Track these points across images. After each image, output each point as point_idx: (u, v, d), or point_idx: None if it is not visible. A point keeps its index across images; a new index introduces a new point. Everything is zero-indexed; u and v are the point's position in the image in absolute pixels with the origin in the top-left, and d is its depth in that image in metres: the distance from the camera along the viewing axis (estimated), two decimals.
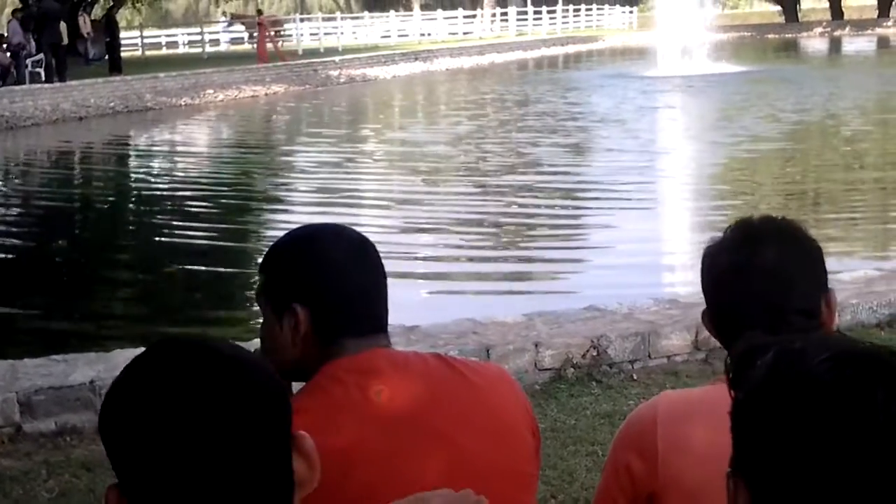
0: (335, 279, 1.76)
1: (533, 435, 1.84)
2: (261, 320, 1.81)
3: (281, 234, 1.86)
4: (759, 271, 1.79)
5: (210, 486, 1.12)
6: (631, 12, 63.49)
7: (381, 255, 1.85)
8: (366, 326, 1.78)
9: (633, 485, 1.81)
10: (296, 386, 1.74)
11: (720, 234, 1.89)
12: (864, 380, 0.99)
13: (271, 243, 1.87)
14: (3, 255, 11.24)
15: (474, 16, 53.68)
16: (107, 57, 30.91)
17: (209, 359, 1.17)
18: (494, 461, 1.74)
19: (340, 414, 1.68)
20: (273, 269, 1.80)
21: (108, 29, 31.25)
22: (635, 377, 5.58)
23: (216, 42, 43.83)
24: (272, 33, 35.47)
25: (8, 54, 25.99)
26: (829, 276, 1.92)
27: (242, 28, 45.14)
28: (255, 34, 42.19)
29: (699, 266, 1.94)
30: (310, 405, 1.65)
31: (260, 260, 1.84)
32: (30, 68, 26.13)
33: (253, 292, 9.16)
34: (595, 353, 5.66)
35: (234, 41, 45.73)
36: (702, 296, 1.97)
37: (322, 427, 1.61)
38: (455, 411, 1.75)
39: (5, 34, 27.90)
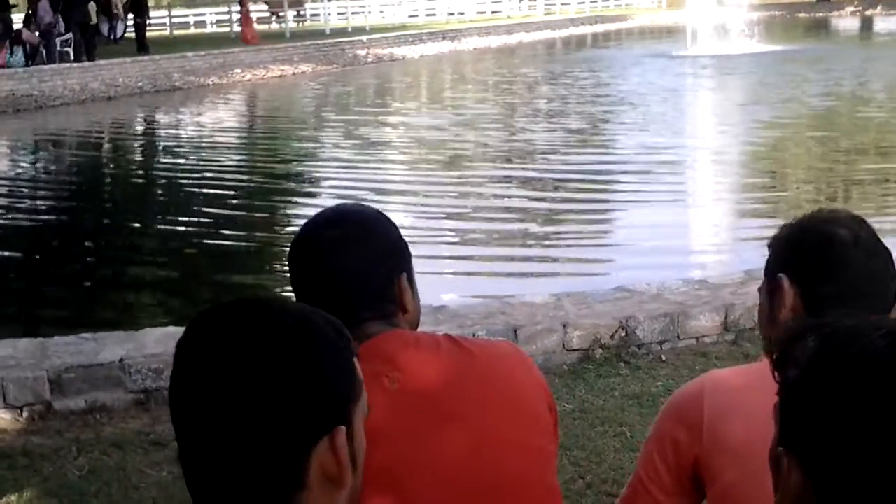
0: (321, 268, 1.75)
1: (549, 410, 1.83)
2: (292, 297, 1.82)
3: (307, 212, 1.87)
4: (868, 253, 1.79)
5: (253, 440, 1.13)
6: None
7: (410, 236, 1.84)
8: (386, 309, 1.77)
9: (676, 456, 1.82)
10: None
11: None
12: None
13: (299, 225, 1.87)
14: (33, 233, 11.30)
15: None
16: (134, 36, 30.93)
17: (270, 318, 1.19)
18: (511, 437, 1.74)
19: None
20: (293, 272, 1.82)
21: (135, 8, 31.26)
22: (664, 358, 5.55)
23: (264, 20, 43.77)
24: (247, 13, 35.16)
25: (37, 33, 26.07)
26: None
27: (266, 7, 45.05)
28: (282, 14, 42.21)
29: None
30: None
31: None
32: (58, 48, 26.22)
33: (279, 270, 9.25)
34: (624, 334, 5.63)
35: (260, 21, 45.74)
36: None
37: None
38: (468, 390, 1.74)
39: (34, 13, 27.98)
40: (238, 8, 36.23)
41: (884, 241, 1.85)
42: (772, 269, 1.86)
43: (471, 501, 1.69)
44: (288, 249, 1.84)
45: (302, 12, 42.62)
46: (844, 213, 1.87)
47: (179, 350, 1.19)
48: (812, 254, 1.79)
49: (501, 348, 1.89)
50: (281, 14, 43.08)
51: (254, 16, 38.45)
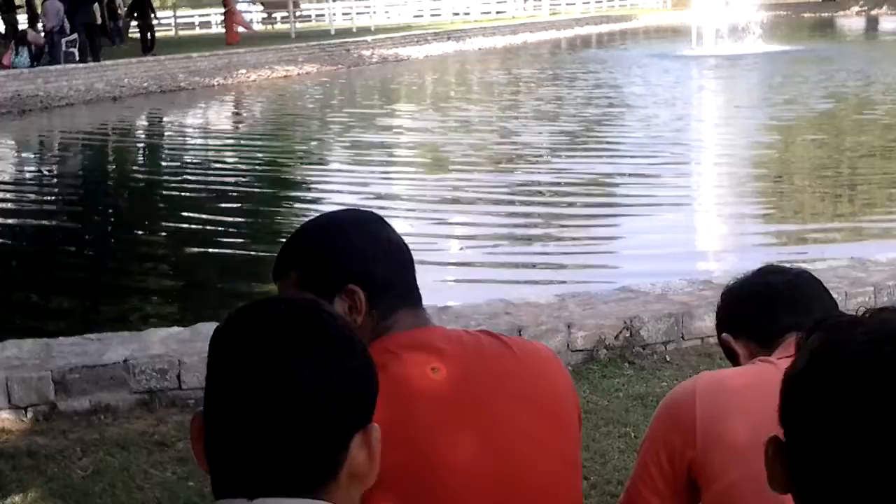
0: (378, 253, 1.76)
1: (578, 417, 1.85)
2: None
3: (307, 215, 1.87)
4: None
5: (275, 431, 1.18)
6: None
7: (415, 236, 1.86)
8: (416, 298, 1.80)
9: (670, 459, 1.81)
10: None
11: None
12: None
13: (285, 241, 1.84)
14: (38, 234, 11.32)
15: None
16: (139, 36, 30.90)
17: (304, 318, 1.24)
18: (546, 441, 1.74)
19: (400, 387, 1.66)
20: (310, 259, 1.77)
21: (139, 9, 31.19)
22: (668, 359, 5.54)
23: (249, 22, 43.83)
24: (233, 11, 35.04)
25: (42, 34, 26.09)
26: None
27: (261, 8, 45.03)
28: (274, 14, 42.22)
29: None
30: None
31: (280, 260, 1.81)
32: (64, 48, 26.24)
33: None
34: (628, 335, 5.63)
35: (265, 21, 45.80)
36: (736, 277, 2.08)
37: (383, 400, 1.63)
38: (511, 390, 1.74)
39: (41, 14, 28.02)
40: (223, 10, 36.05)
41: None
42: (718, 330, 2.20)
43: (499, 500, 1.69)
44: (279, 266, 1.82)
45: (298, 13, 42.60)
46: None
47: (229, 338, 1.24)
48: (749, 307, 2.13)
49: (542, 351, 1.90)
50: (274, 15, 43.13)
51: (248, 17, 38.49)
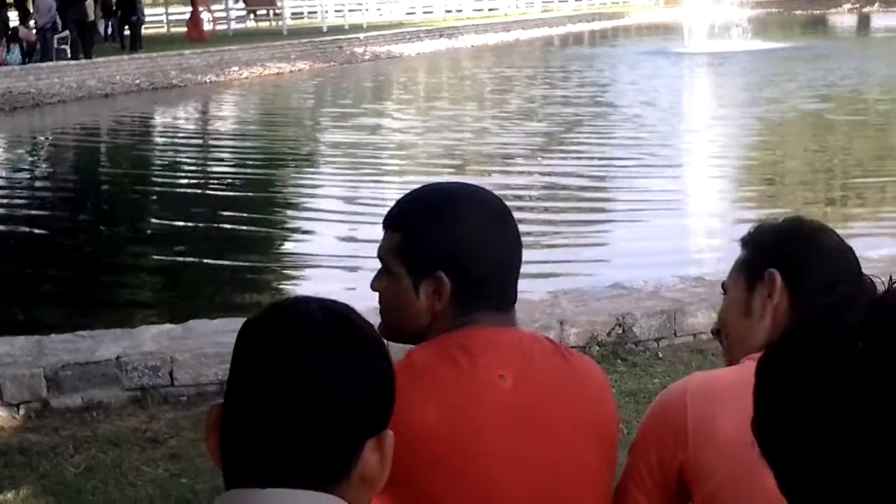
0: (483, 249, 1.69)
1: (617, 439, 1.84)
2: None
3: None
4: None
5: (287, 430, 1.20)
6: None
7: None
8: (502, 302, 1.73)
9: (660, 460, 1.81)
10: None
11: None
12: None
13: (400, 197, 1.79)
14: (30, 232, 11.29)
15: None
16: (127, 33, 30.72)
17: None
18: (592, 465, 1.74)
19: (464, 380, 1.65)
20: (413, 229, 1.71)
21: (126, 5, 30.99)
22: (661, 355, 5.55)
23: (242, 19, 43.76)
24: (202, 9, 34.92)
25: (34, 31, 26.02)
26: (859, 256, 2.01)
27: (242, 6, 44.83)
28: (259, 12, 42.11)
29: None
30: (427, 363, 1.66)
31: (385, 215, 1.77)
32: (55, 45, 26.17)
33: (278, 263, 9.23)
34: (620, 331, 5.64)
35: (258, 18, 45.67)
36: (728, 273, 2.03)
37: (435, 388, 1.64)
38: (571, 413, 1.72)
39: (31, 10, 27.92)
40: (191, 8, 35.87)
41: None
42: (756, 263, 1.92)
43: None
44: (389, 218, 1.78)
45: (277, 11, 42.51)
46: (820, 224, 2.00)
47: (257, 331, 1.25)
48: (808, 259, 1.89)
49: (598, 375, 1.85)
50: (259, 12, 43.00)
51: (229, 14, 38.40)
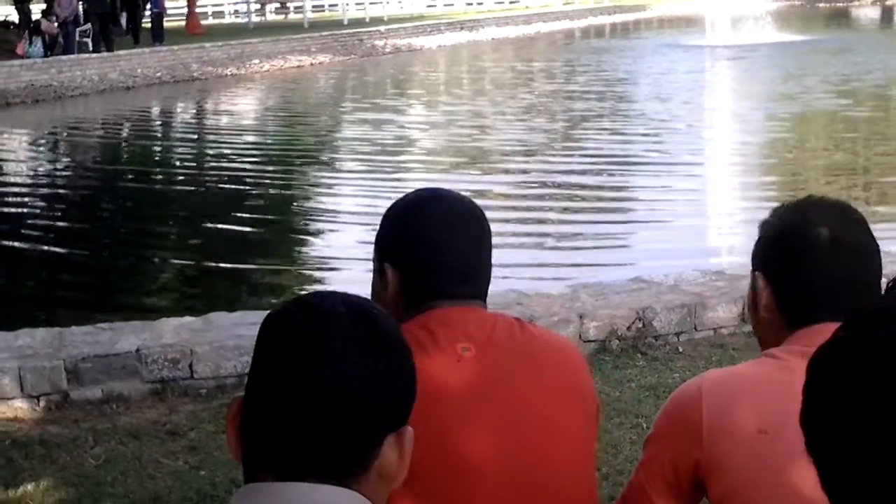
0: (434, 246, 1.82)
1: (596, 411, 1.88)
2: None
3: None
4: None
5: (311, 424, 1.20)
6: None
7: None
8: (459, 294, 1.83)
9: (673, 458, 1.79)
10: None
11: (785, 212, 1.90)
12: None
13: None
14: (52, 224, 11.33)
15: None
16: (149, 25, 30.78)
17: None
18: (568, 433, 1.78)
19: (427, 357, 1.70)
20: (380, 228, 1.89)
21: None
22: (681, 349, 5.52)
23: (262, 11, 43.83)
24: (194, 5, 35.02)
25: (56, 24, 26.12)
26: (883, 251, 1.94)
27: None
28: (274, 6, 42.14)
29: (750, 239, 1.94)
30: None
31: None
32: (77, 38, 26.26)
33: (293, 256, 9.23)
34: (640, 325, 5.61)
35: (277, 11, 45.70)
36: (748, 267, 1.98)
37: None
38: (539, 381, 1.78)
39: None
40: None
41: None
42: (753, 263, 1.92)
43: (517, 490, 1.72)
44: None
45: (288, 4, 42.55)
46: (830, 206, 1.90)
47: (280, 323, 1.25)
48: (785, 256, 1.85)
49: (568, 345, 1.96)
50: (275, 6, 43.05)
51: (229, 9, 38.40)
